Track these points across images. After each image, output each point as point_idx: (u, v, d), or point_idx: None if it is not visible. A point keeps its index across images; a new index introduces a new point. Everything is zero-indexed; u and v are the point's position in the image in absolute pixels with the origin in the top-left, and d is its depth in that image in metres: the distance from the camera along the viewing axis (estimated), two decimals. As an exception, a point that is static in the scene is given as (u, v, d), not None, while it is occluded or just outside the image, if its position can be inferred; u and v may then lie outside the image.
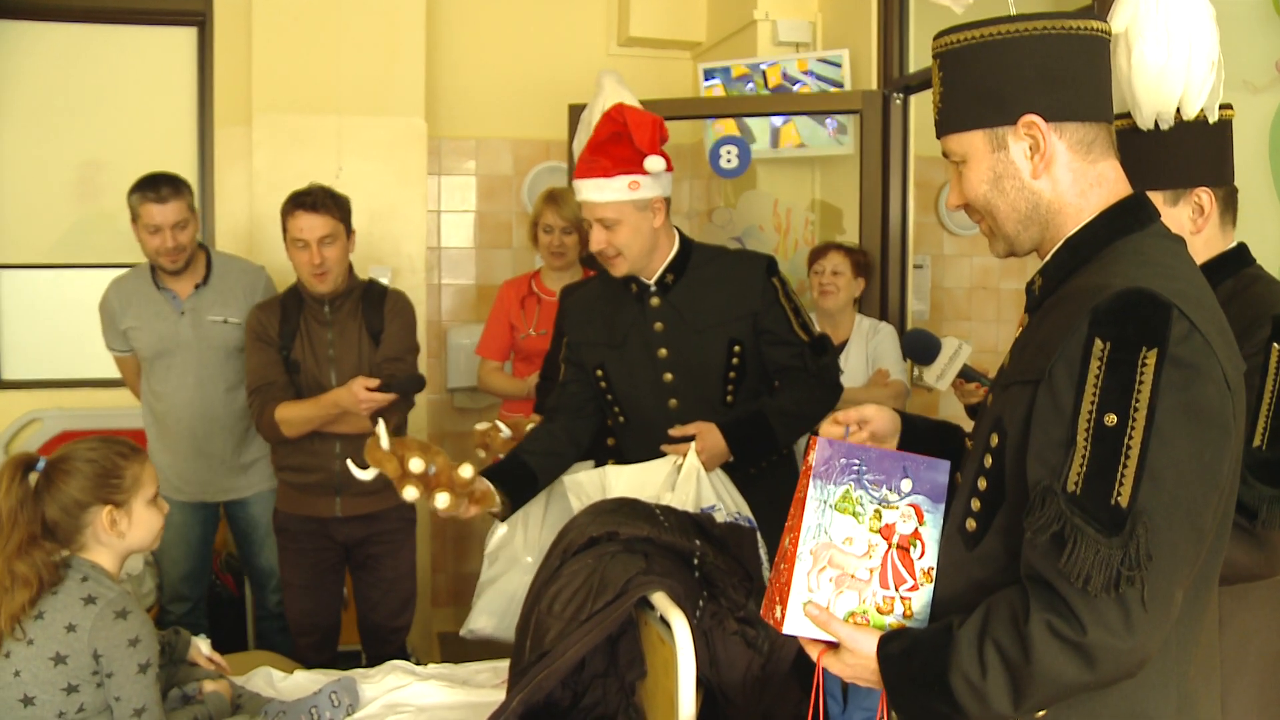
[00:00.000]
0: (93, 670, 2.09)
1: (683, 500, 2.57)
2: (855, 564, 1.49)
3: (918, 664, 1.39)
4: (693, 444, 2.62)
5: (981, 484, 1.43)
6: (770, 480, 2.76)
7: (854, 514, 1.48)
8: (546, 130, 4.95)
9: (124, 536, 2.20)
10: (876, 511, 1.49)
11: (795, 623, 1.48)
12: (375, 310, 3.34)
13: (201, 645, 2.55)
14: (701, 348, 2.72)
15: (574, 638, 2.20)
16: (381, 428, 2.42)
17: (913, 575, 1.49)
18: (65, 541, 2.17)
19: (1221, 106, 1.86)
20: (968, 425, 1.84)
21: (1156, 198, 1.67)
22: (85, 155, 4.64)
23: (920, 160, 4.17)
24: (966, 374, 2.89)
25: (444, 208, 5.16)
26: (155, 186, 3.38)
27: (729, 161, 4.32)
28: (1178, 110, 1.81)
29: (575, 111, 4.11)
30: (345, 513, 3.35)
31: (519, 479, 2.69)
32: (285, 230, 3.19)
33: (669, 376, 2.73)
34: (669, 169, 2.66)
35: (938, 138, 1.53)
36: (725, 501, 2.64)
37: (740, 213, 4.51)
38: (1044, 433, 1.31)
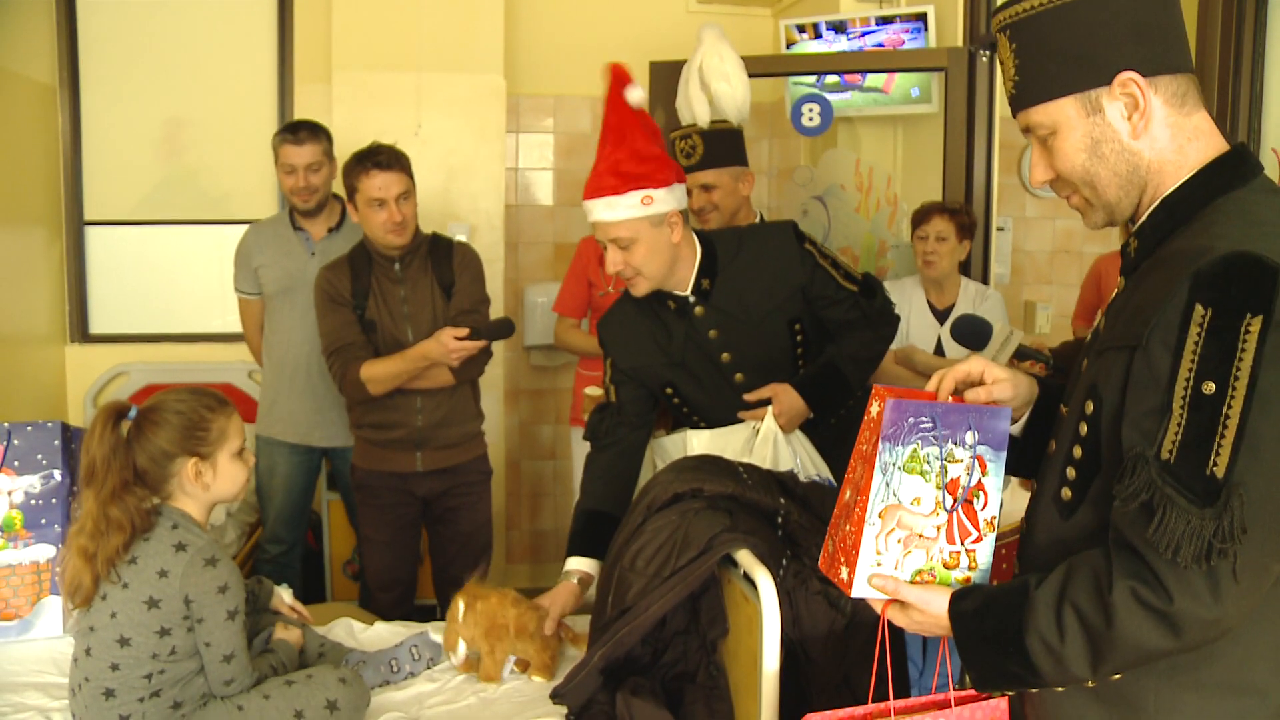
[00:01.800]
0: (183, 615, 2.13)
1: (768, 462, 2.55)
2: (923, 523, 1.47)
3: (992, 624, 1.37)
4: (769, 408, 2.60)
5: (1077, 452, 1.40)
6: (852, 427, 2.74)
7: (921, 473, 1.46)
8: (626, 88, 4.91)
9: (209, 488, 2.23)
10: (943, 467, 1.46)
11: (863, 587, 1.47)
12: (444, 264, 3.35)
13: (284, 595, 2.59)
14: (762, 338, 2.68)
15: (656, 594, 2.20)
16: (462, 608, 2.52)
17: (976, 527, 1.48)
18: (154, 489, 2.21)
19: None
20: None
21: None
22: (169, 113, 4.70)
23: (1004, 120, 4.07)
24: (1023, 353, 2.83)
25: (522, 165, 5.16)
26: (294, 129, 3.61)
27: (810, 120, 4.25)
28: None
29: (656, 69, 4.08)
30: (426, 467, 3.39)
31: (604, 535, 2.58)
32: (355, 190, 3.18)
33: (739, 376, 2.70)
34: (680, 178, 2.57)
35: (1015, 114, 1.46)
36: (804, 464, 2.62)
37: (821, 172, 4.45)
38: (1140, 400, 1.27)
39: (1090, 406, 1.37)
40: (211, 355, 4.67)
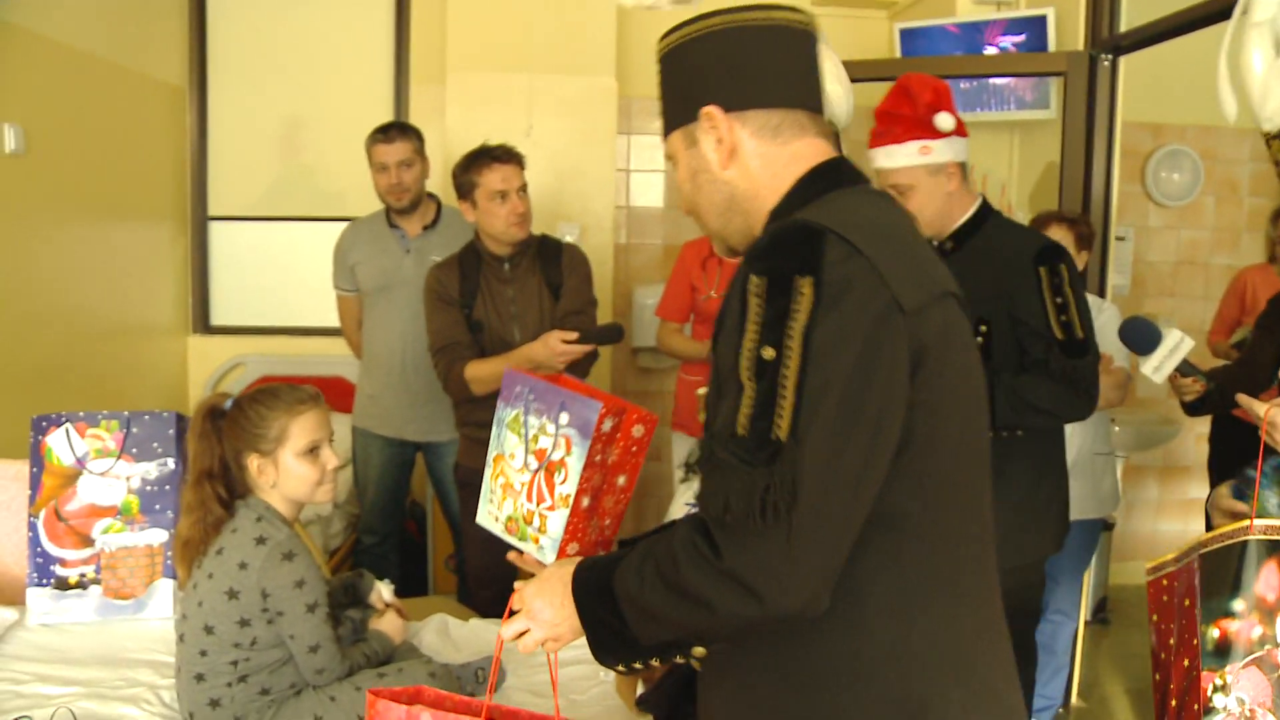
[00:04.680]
0: (262, 608, 2.19)
1: None
2: (515, 477, 1.66)
3: (593, 574, 1.38)
4: None
5: None
6: (998, 467, 2.66)
7: (519, 433, 1.64)
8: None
9: (275, 485, 2.28)
10: (535, 435, 1.62)
11: (483, 517, 1.71)
12: (553, 265, 3.36)
13: (384, 590, 2.62)
14: None
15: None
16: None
17: (553, 496, 1.59)
18: (237, 481, 2.29)
19: None
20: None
21: None
22: (289, 113, 4.84)
23: (1127, 126, 3.95)
24: (1184, 369, 2.73)
25: (633, 167, 5.17)
26: (385, 129, 3.69)
27: (922, 124, 4.17)
28: None
29: (765, 72, 4.06)
30: (530, 467, 3.40)
31: None
32: (475, 186, 3.21)
33: None
34: (961, 133, 2.63)
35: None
36: None
37: (933, 178, 4.36)
38: (716, 388, 1.27)
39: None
40: (324, 349, 4.80)
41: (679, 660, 1.33)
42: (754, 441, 1.17)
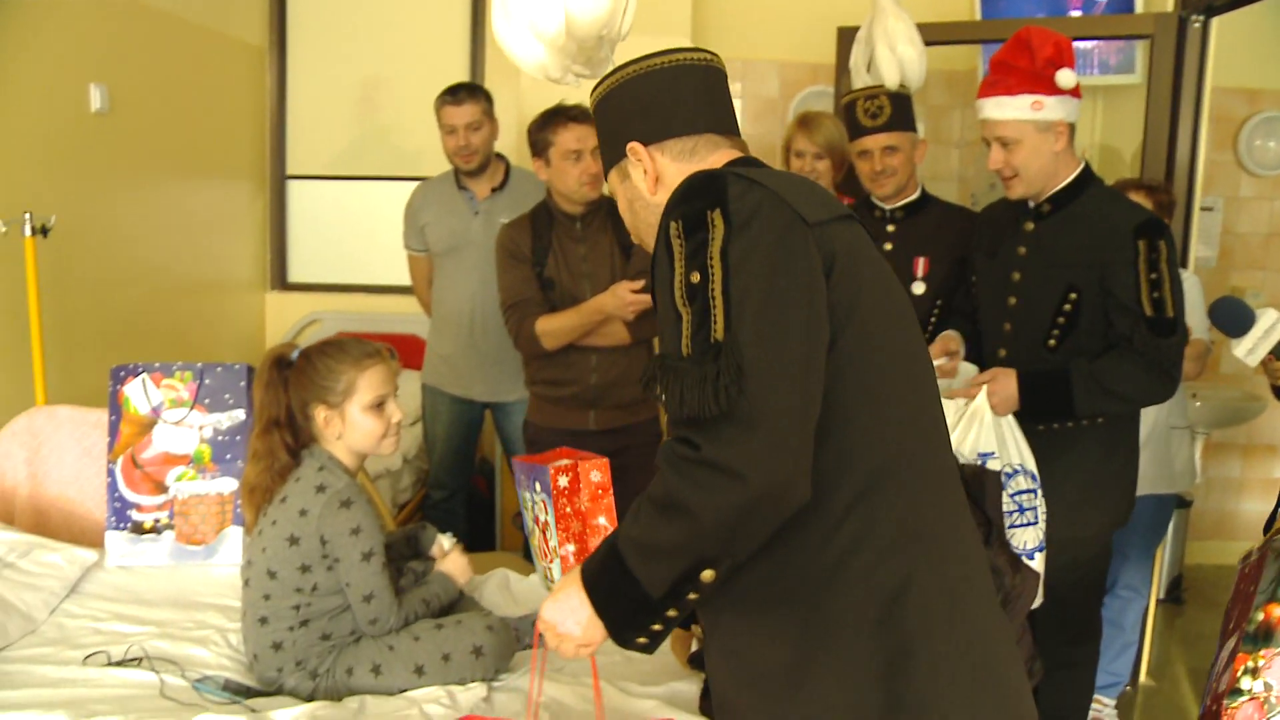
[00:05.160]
0: (321, 554, 2.24)
1: (958, 442, 2.48)
2: (535, 542, 2.01)
3: (598, 553, 1.45)
4: (984, 387, 2.54)
5: None
6: (1057, 444, 2.63)
7: (528, 508, 1.93)
8: (814, 54, 4.83)
9: (340, 437, 2.32)
10: (529, 506, 1.90)
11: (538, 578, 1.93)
12: (624, 224, 3.36)
13: (445, 542, 2.66)
14: (1045, 284, 2.65)
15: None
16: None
17: (549, 551, 1.83)
18: (302, 431, 2.34)
19: None
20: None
21: None
22: (366, 73, 4.89)
23: (1218, 91, 3.82)
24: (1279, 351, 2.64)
25: (708, 130, 5.14)
26: (454, 91, 3.70)
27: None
28: None
29: (844, 34, 4.00)
30: (598, 425, 3.41)
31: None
32: (549, 145, 3.21)
33: (1012, 301, 2.71)
34: (1076, 93, 2.59)
35: None
36: (1008, 451, 2.51)
37: (1012, 144, 4.27)
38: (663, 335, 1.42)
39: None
40: (398, 306, 4.86)
41: (692, 598, 1.37)
42: (698, 350, 1.32)
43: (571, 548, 1.77)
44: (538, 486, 1.85)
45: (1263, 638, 1.60)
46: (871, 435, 1.39)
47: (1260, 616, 1.62)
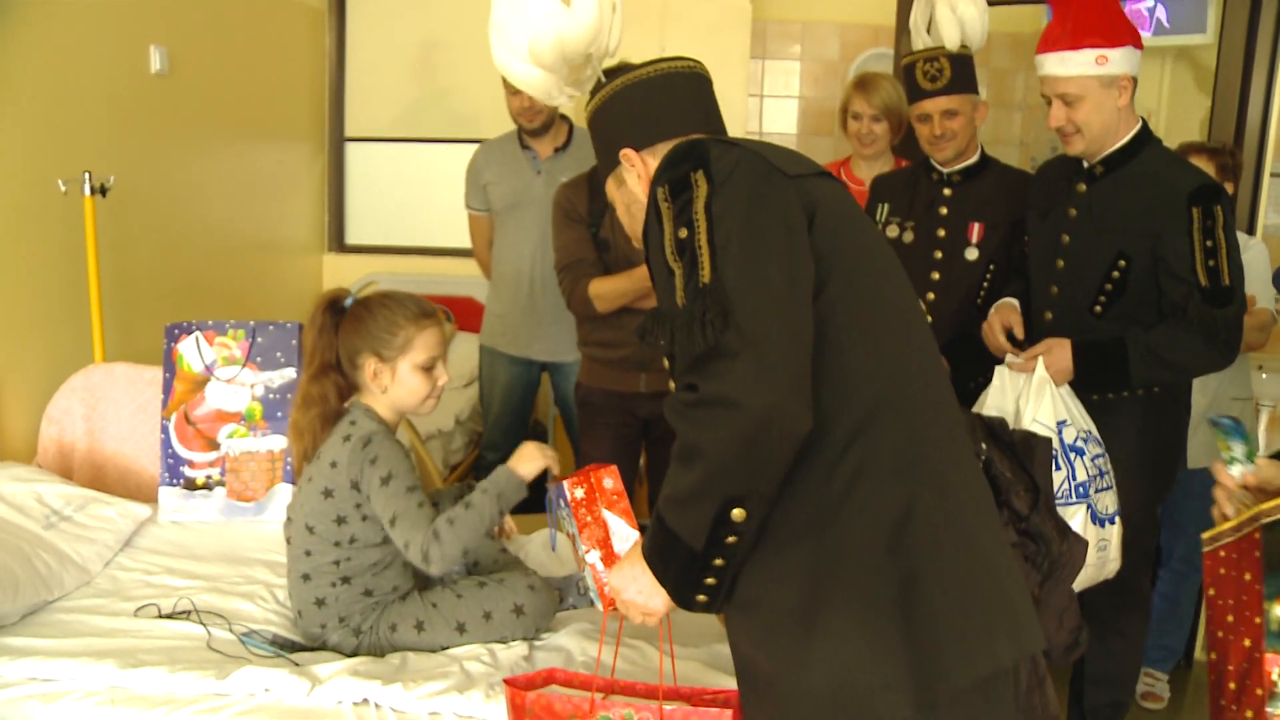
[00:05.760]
0: (355, 503, 2.24)
1: (1031, 413, 2.44)
2: (570, 552, 2.07)
3: (649, 528, 1.50)
4: (1040, 358, 2.50)
5: None
6: (1113, 414, 2.58)
7: (562, 528, 1.98)
8: (875, 15, 4.76)
9: (385, 391, 2.31)
10: (559, 523, 1.99)
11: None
12: None
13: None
14: (1094, 248, 2.59)
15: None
16: None
17: (578, 560, 1.89)
18: (348, 378, 2.33)
19: None
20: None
21: None
22: (424, 35, 4.89)
23: (1296, 50, 3.68)
24: None
25: (766, 92, 5.08)
26: None
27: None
28: None
29: (902, -5, 3.91)
30: (649, 388, 3.40)
31: None
32: None
33: (1060, 263, 2.66)
34: (1138, 44, 2.53)
35: None
36: (1077, 419, 2.49)
37: (1076, 106, 4.17)
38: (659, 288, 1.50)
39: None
40: (455, 269, 4.88)
41: (732, 541, 1.41)
42: (689, 297, 1.39)
43: (598, 554, 1.84)
44: (560, 503, 1.95)
45: None
46: (867, 369, 1.44)
47: (1279, 611, 1.55)
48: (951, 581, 1.41)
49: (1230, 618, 1.60)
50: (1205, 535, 1.60)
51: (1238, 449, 1.60)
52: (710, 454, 1.35)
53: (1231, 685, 1.55)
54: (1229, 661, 1.56)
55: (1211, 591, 1.78)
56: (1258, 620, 1.53)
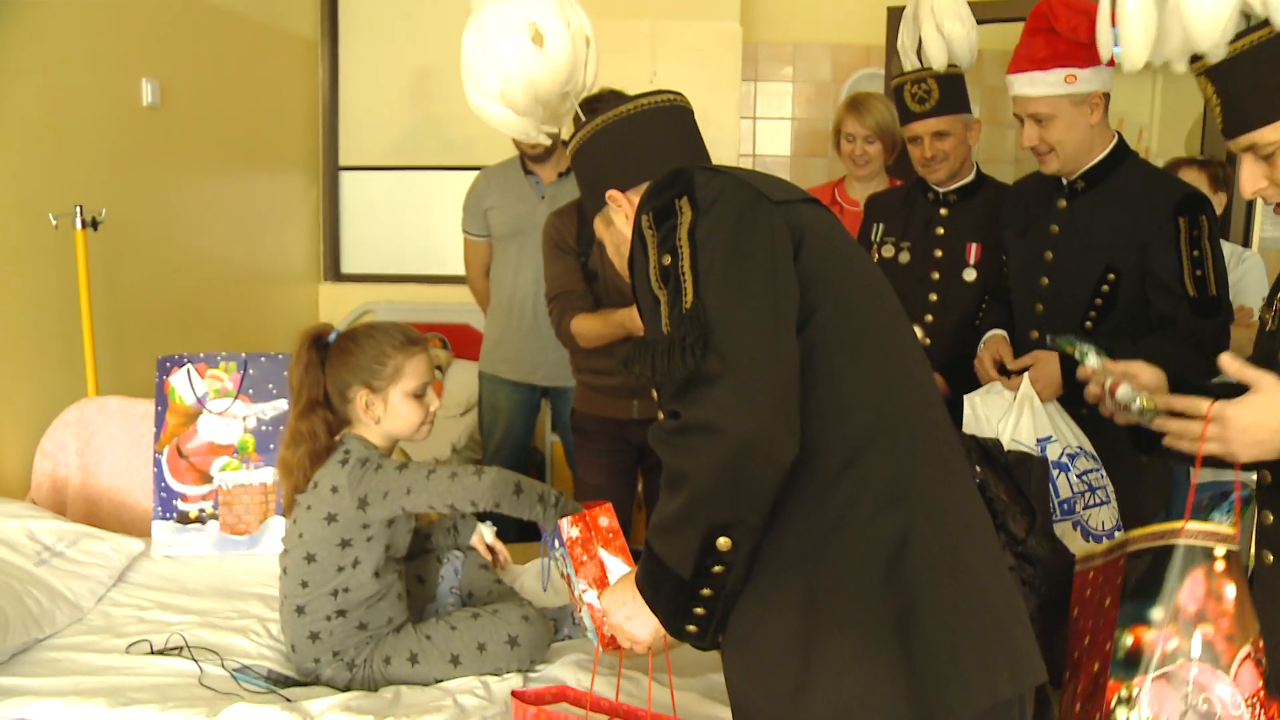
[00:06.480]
0: (362, 523, 2.23)
1: (1012, 430, 2.42)
2: (567, 592, 2.20)
3: (644, 554, 1.47)
4: (1026, 372, 2.48)
5: None
6: (1106, 426, 2.56)
7: (559, 569, 2.04)
8: (866, 35, 4.76)
9: (379, 422, 2.30)
10: (559, 565, 2.01)
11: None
12: None
13: (485, 532, 2.65)
14: (1081, 264, 2.58)
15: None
16: None
17: (575, 600, 1.93)
18: (338, 412, 2.32)
19: None
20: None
21: None
22: (418, 64, 4.90)
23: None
24: None
25: (759, 114, 5.09)
26: None
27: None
28: None
29: (894, 15, 3.92)
30: (642, 415, 3.39)
31: None
32: None
33: (1045, 281, 2.65)
34: (1110, 62, 2.51)
35: None
36: (1064, 435, 2.47)
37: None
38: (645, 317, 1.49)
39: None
40: (452, 296, 4.87)
41: (718, 571, 1.39)
42: (674, 324, 1.38)
43: (594, 592, 1.83)
44: (556, 543, 1.95)
45: (1132, 663, 1.51)
46: (859, 396, 1.42)
47: (1129, 641, 1.52)
48: (950, 613, 1.38)
49: (1086, 640, 1.59)
50: (1079, 555, 1.60)
51: (1083, 347, 1.78)
52: (694, 480, 1.34)
53: (1077, 707, 1.54)
54: (1078, 683, 1.54)
55: (1075, 612, 1.76)
56: (1108, 647, 1.51)
